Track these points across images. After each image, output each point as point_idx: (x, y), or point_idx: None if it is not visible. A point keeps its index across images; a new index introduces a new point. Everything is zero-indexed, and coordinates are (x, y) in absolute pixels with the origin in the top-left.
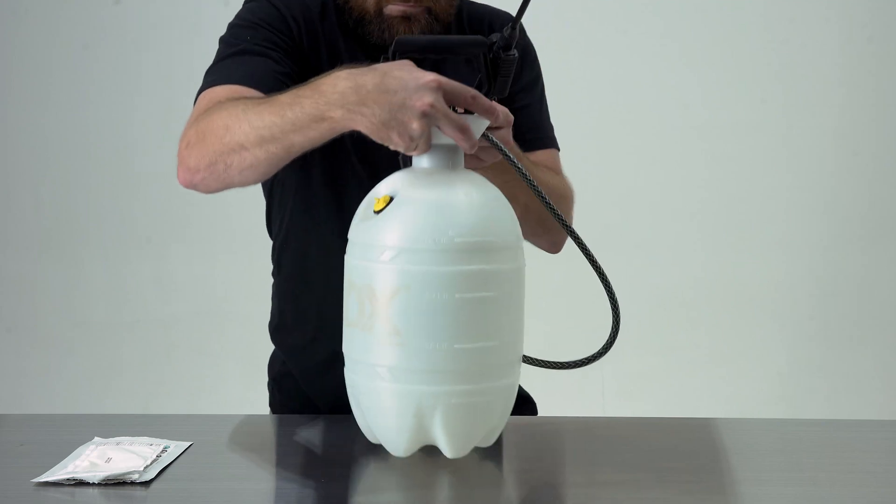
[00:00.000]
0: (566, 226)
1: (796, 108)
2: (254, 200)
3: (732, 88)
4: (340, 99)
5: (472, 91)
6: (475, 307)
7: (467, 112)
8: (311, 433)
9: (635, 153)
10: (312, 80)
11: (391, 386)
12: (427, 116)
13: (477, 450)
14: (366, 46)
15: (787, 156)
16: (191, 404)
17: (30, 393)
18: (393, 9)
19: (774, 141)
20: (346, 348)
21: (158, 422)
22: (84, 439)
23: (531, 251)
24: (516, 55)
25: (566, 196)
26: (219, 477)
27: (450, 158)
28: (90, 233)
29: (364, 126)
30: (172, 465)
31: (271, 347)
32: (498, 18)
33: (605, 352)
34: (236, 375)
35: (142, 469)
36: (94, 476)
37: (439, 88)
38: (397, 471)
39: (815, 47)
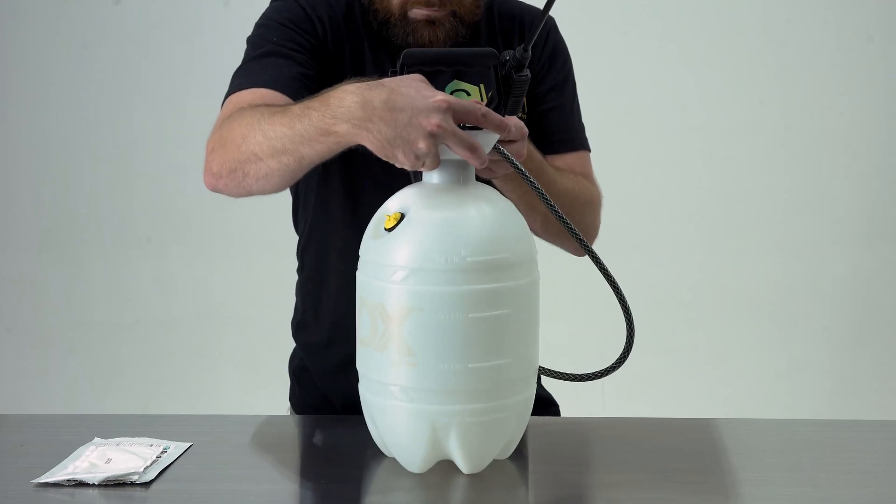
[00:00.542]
0: (580, 239)
1: (795, 109)
2: (254, 201)
3: (731, 89)
4: (347, 114)
5: (483, 109)
6: (489, 326)
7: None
8: (313, 434)
9: (634, 154)
10: (324, 91)
11: (405, 405)
12: (434, 136)
13: None
14: (390, 48)
15: (785, 157)
16: (191, 405)
17: (30, 393)
18: (417, 12)
19: (773, 142)
20: (360, 366)
21: (158, 422)
22: (84, 440)
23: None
24: (529, 76)
25: (592, 201)
26: (219, 478)
27: (461, 173)
28: (90, 233)
29: (369, 142)
30: (172, 466)
31: (271, 348)
32: (529, 15)
33: (619, 365)
34: (237, 376)
35: (142, 470)
36: (94, 477)
37: (448, 109)
38: (401, 472)
39: (814, 48)
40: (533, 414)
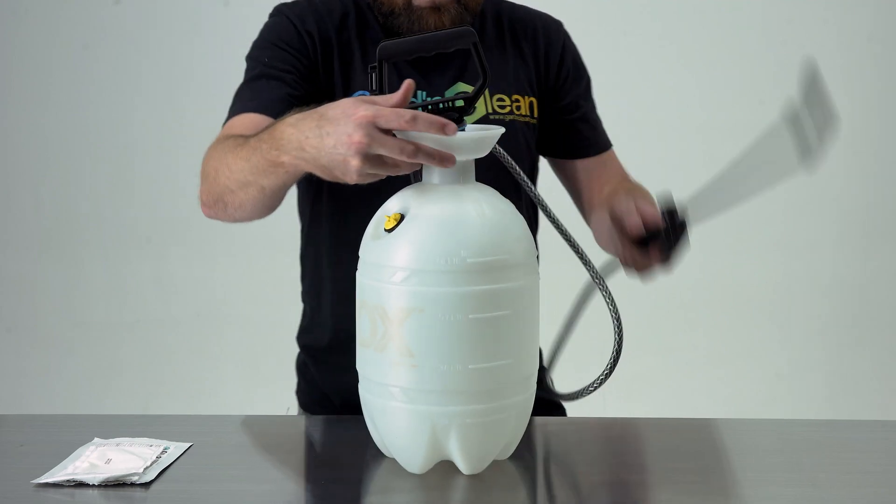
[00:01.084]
0: (579, 254)
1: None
2: None
3: (731, 90)
4: (287, 145)
5: (411, 114)
6: (489, 327)
7: (480, 123)
8: (313, 434)
9: (634, 154)
10: (274, 122)
11: (405, 406)
12: (361, 152)
13: None
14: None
15: None
16: (191, 405)
17: (30, 393)
18: (421, 0)
19: None
20: (360, 367)
21: (158, 422)
22: (84, 440)
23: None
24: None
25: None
26: (219, 478)
27: (461, 174)
28: (90, 233)
29: (312, 170)
30: (172, 467)
31: (271, 347)
32: (542, 22)
33: (609, 374)
34: (237, 376)
35: (141, 470)
36: (94, 477)
37: (369, 121)
38: (401, 472)
39: (814, 48)
40: (540, 415)
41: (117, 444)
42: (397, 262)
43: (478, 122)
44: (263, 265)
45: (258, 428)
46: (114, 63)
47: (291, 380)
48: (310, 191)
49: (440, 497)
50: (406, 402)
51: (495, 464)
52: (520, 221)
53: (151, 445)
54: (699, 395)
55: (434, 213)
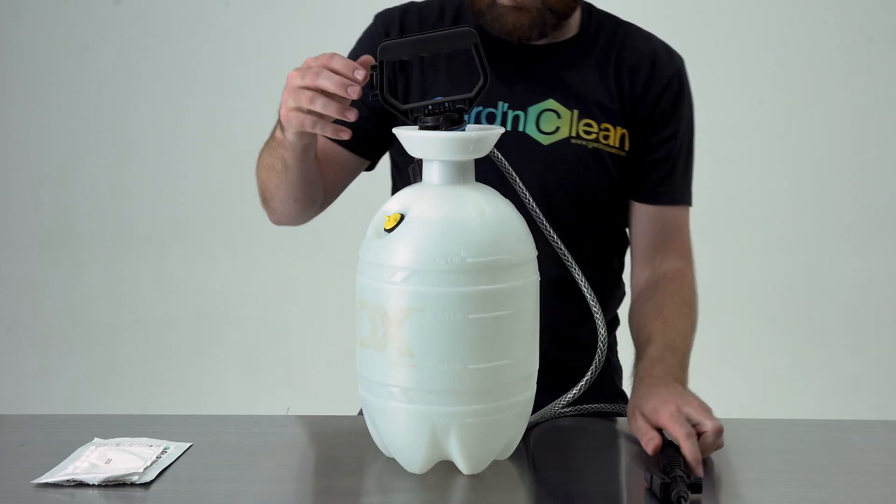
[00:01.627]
0: (560, 248)
1: (795, 109)
2: (254, 200)
3: (730, 89)
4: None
5: (324, 56)
6: (489, 327)
7: (559, 146)
8: (313, 434)
9: None
10: None
11: (405, 406)
12: (289, 108)
13: None
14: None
15: (785, 157)
16: (191, 405)
17: (30, 393)
18: None
19: (773, 142)
20: (360, 367)
21: (158, 422)
22: (84, 440)
23: None
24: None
25: (692, 316)
26: (219, 478)
27: (461, 174)
28: (90, 233)
29: (290, 132)
30: (172, 467)
31: (271, 347)
32: (654, 51)
33: (593, 377)
34: (237, 376)
35: (141, 470)
36: (94, 477)
37: (294, 78)
38: (401, 472)
39: (814, 48)
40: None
41: (117, 444)
42: (397, 262)
43: (556, 143)
44: (263, 265)
45: (258, 428)
46: (114, 63)
47: (291, 380)
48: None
49: (440, 497)
50: (406, 402)
51: (495, 464)
52: (520, 221)
53: (151, 445)
54: (699, 395)
55: (434, 213)
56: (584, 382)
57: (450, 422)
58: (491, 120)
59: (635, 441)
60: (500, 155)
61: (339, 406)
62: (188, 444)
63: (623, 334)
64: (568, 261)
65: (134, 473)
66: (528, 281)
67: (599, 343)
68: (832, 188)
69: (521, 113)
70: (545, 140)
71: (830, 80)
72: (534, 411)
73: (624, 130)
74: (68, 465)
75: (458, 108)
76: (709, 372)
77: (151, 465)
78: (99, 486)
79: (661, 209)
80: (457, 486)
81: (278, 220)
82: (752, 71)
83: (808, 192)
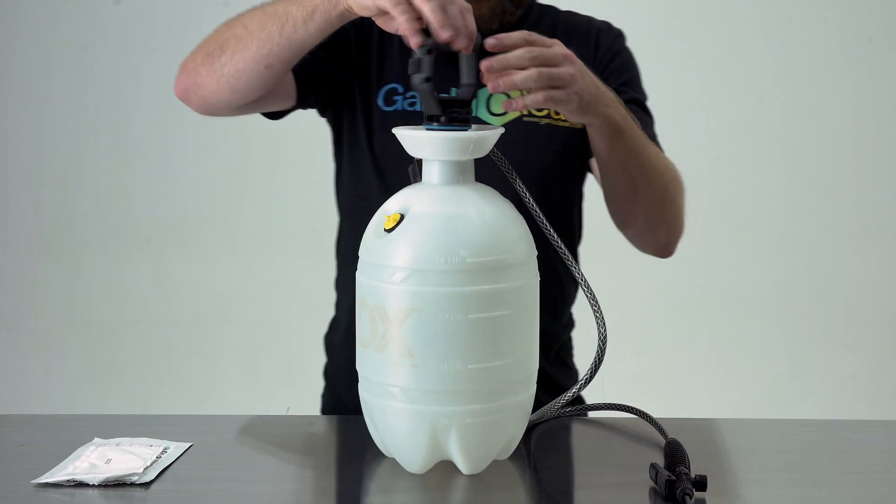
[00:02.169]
0: (559, 247)
1: (795, 108)
2: (254, 200)
3: (730, 89)
4: None
5: None
6: (489, 326)
7: (511, 126)
8: (313, 434)
9: None
10: None
11: (405, 406)
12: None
13: None
14: None
15: (785, 157)
16: (191, 405)
17: (30, 393)
18: None
19: (773, 141)
20: (360, 367)
21: (158, 422)
22: (84, 440)
23: None
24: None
25: (677, 180)
26: (219, 478)
27: (461, 174)
28: (90, 233)
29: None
30: (172, 467)
31: (271, 347)
32: (596, 29)
33: (592, 377)
34: (237, 376)
35: (141, 471)
36: (94, 477)
37: None
38: (401, 472)
39: (814, 48)
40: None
41: (117, 444)
42: (397, 261)
43: (509, 123)
44: (263, 265)
45: (258, 428)
46: (114, 63)
47: (291, 380)
48: (340, 177)
49: (440, 497)
50: (406, 402)
51: (495, 464)
52: (520, 221)
53: (151, 445)
54: (700, 395)
55: (434, 213)
56: (583, 381)
57: (450, 422)
58: None
59: (636, 440)
60: (500, 155)
61: None
62: (188, 444)
63: (578, 336)
64: (568, 260)
65: (134, 473)
66: (529, 281)
67: (599, 342)
68: (832, 188)
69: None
70: (497, 121)
71: (830, 79)
72: (533, 411)
73: None
74: (68, 465)
75: (461, 99)
76: (709, 372)
77: (151, 465)
78: (99, 486)
79: None
80: (457, 486)
81: (189, 86)
82: (752, 70)
83: (808, 191)
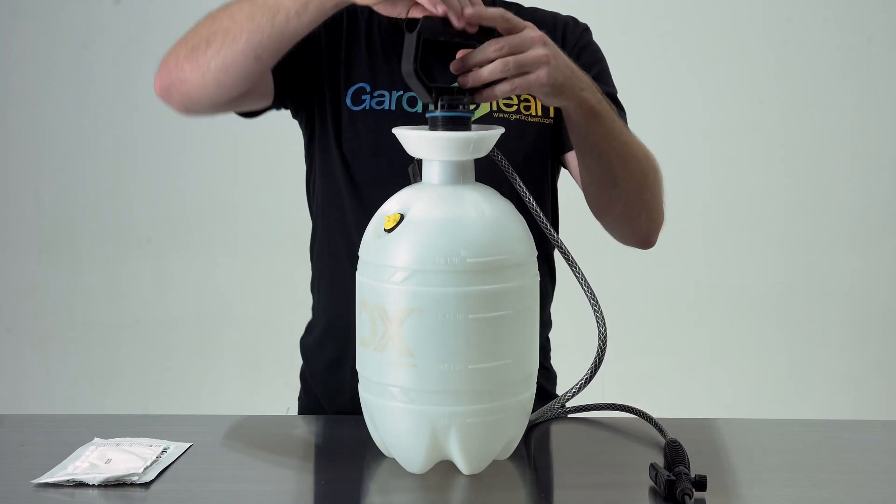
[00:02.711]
0: (560, 246)
1: (795, 108)
2: (254, 200)
3: (730, 89)
4: None
5: None
6: (489, 327)
7: (482, 122)
8: (313, 434)
9: None
10: None
11: (405, 406)
12: None
13: None
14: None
15: (785, 157)
16: (191, 405)
17: (30, 393)
18: None
19: (773, 142)
20: (360, 367)
21: (158, 422)
22: (84, 440)
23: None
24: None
25: (655, 168)
26: (219, 478)
27: (461, 174)
28: (90, 233)
29: None
30: (172, 467)
31: (271, 347)
32: (562, 23)
33: (592, 376)
34: (237, 376)
35: (141, 471)
36: (94, 477)
37: None
38: (401, 472)
39: (814, 48)
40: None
41: (117, 444)
42: (397, 262)
43: (479, 120)
44: (263, 265)
45: (258, 428)
46: (114, 63)
47: (291, 380)
48: (311, 176)
49: (440, 497)
50: (406, 402)
51: (495, 464)
52: (519, 221)
53: (151, 445)
54: (699, 395)
55: (434, 213)
56: (582, 380)
57: (450, 422)
58: (414, 104)
59: (636, 440)
60: (500, 154)
61: None
62: (188, 444)
63: (556, 337)
64: (569, 259)
65: (134, 473)
66: (529, 281)
67: (599, 341)
68: (832, 188)
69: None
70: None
71: (830, 79)
72: (533, 411)
73: None
74: (68, 465)
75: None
76: (709, 372)
77: (151, 465)
78: (99, 486)
79: None
80: (457, 486)
81: (171, 82)
82: (752, 70)
83: (808, 191)
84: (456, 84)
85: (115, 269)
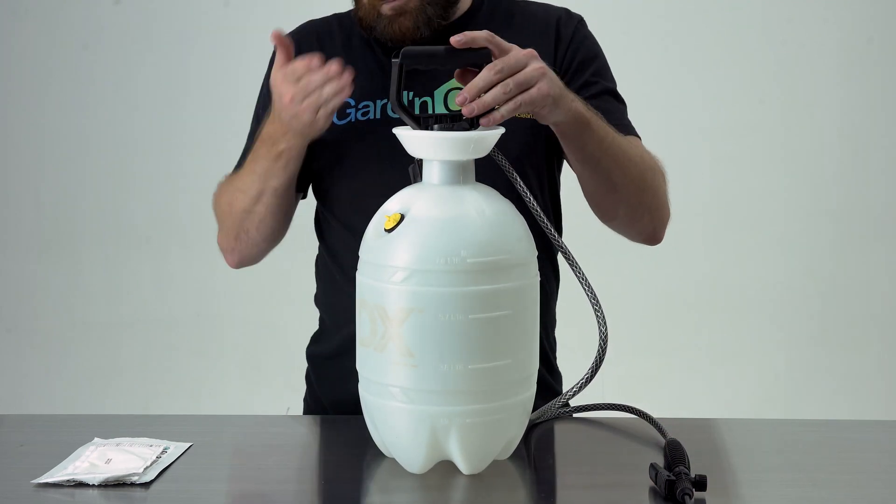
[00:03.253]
0: (560, 246)
1: (795, 108)
2: None
3: (731, 89)
4: (275, 133)
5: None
6: (489, 327)
7: (476, 123)
8: (313, 434)
9: None
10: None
11: (405, 406)
12: (305, 101)
13: None
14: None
15: (785, 157)
16: (191, 405)
17: (30, 393)
18: (385, 8)
19: (773, 142)
20: (360, 367)
21: (158, 422)
22: (84, 440)
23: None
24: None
25: (654, 167)
26: (219, 478)
27: (461, 174)
28: (90, 233)
29: (300, 140)
30: (172, 467)
31: (271, 347)
32: (555, 16)
33: (592, 376)
34: (237, 376)
35: (141, 471)
36: (94, 477)
37: (285, 82)
38: (401, 472)
39: (814, 48)
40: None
41: (117, 444)
42: (397, 262)
43: None
44: (264, 265)
45: (258, 428)
46: (114, 63)
47: (291, 380)
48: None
49: (440, 497)
50: (406, 402)
51: (495, 464)
52: (520, 221)
53: (151, 445)
54: (699, 395)
55: (434, 213)
56: (583, 380)
57: (450, 422)
58: None
59: (636, 440)
60: (500, 154)
61: None
62: (188, 444)
63: (559, 336)
64: (570, 259)
65: (134, 473)
66: (529, 281)
67: (600, 341)
68: (832, 188)
69: (428, 98)
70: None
71: (830, 79)
72: (532, 411)
73: None
74: (68, 465)
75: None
76: (708, 372)
77: (151, 465)
78: (99, 486)
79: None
80: (457, 486)
81: (240, 259)
82: (752, 70)
83: (808, 191)
84: (445, 111)
85: (115, 268)
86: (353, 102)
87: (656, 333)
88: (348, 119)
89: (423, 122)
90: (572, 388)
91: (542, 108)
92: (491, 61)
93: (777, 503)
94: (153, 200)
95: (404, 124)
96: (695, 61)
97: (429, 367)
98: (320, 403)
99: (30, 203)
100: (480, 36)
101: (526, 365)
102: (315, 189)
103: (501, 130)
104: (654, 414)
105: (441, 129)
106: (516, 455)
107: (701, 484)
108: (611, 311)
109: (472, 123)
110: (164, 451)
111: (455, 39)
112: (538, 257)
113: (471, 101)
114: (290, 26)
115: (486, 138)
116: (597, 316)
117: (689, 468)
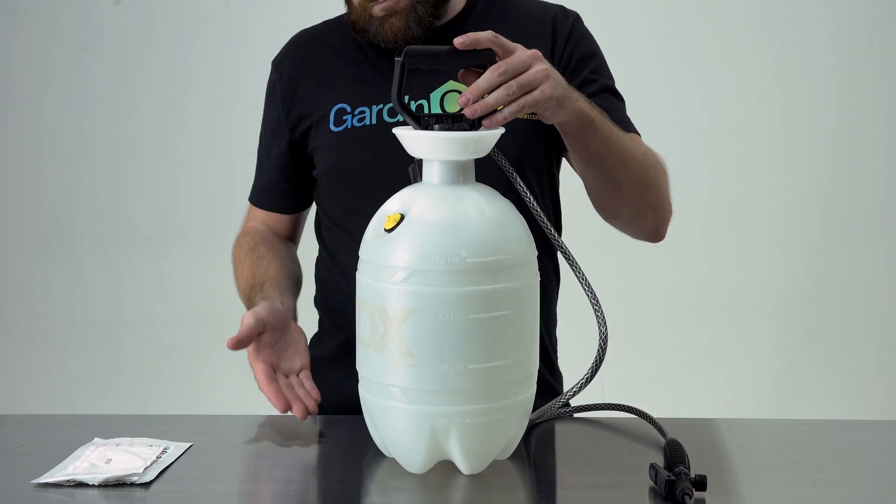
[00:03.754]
0: (560, 246)
1: (794, 108)
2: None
3: (729, 89)
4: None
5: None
6: (489, 327)
7: (477, 124)
8: (313, 434)
9: None
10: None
11: (405, 406)
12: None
13: None
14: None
15: (784, 157)
16: (191, 405)
17: (30, 393)
18: (376, 9)
19: (772, 142)
20: (360, 367)
21: (158, 422)
22: (84, 440)
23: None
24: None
25: (657, 165)
26: (219, 478)
27: (461, 174)
28: (90, 233)
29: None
30: (172, 467)
31: None
32: (551, 14)
33: (592, 376)
34: (237, 376)
35: (141, 471)
36: (94, 477)
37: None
38: (401, 472)
39: (813, 48)
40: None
41: (117, 444)
42: (397, 261)
43: None
44: None
45: (258, 428)
46: (114, 63)
47: None
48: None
49: (440, 497)
50: (406, 402)
51: (495, 464)
52: (520, 221)
53: (151, 445)
54: (699, 395)
55: (434, 212)
56: (583, 380)
57: (450, 422)
58: (394, 114)
59: (636, 440)
60: (500, 154)
61: None
62: (188, 444)
63: (562, 336)
64: (570, 259)
65: (134, 473)
66: (529, 281)
67: (600, 341)
68: (832, 188)
69: (423, 101)
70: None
71: (830, 79)
72: (533, 411)
73: None
74: (68, 465)
75: (461, 113)
76: (708, 372)
77: (151, 465)
78: (99, 486)
79: None
80: (457, 486)
81: None
82: (751, 70)
83: (807, 191)
84: (445, 111)
85: (115, 268)
86: (349, 108)
87: (656, 333)
88: (345, 126)
89: (424, 121)
90: (572, 388)
91: (546, 110)
92: (494, 62)
93: (777, 503)
94: (153, 200)
95: (402, 126)
96: (694, 61)
97: (429, 366)
98: (320, 405)
99: (30, 203)
100: (484, 37)
101: (526, 365)
102: (315, 194)
103: (501, 130)
104: (654, 414)
105: (441, 128)
106: (516, 455)
107: (701, 484)
108: (611, 311)
109: (474, 124)
110: (164, 451)
111: (458, 41)
112: (538, 257)
113: (473, 103)
114: (289, 26)
115: (486, 138)
116: (597, 316)
117: (689, 468)
